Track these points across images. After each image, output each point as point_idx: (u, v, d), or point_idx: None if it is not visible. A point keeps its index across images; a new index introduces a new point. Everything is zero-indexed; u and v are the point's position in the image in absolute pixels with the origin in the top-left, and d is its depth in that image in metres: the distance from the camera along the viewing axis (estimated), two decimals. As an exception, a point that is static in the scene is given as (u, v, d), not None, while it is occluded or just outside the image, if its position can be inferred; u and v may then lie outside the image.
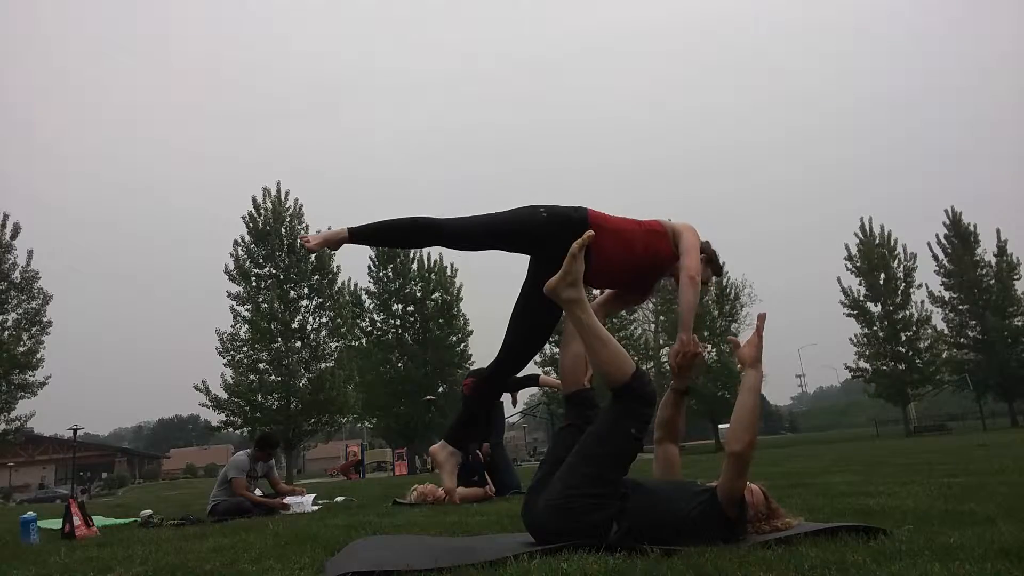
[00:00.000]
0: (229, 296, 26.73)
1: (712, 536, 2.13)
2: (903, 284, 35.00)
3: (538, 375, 6.30)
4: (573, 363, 2.65)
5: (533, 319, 2.68)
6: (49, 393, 25.20)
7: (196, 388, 25.73)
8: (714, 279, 3.04)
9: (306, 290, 27.82)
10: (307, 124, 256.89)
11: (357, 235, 2.54)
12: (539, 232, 2.55)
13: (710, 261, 2.82)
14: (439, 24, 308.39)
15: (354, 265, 37.63)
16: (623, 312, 28.07)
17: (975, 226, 36.40)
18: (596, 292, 3.00)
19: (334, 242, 2.55)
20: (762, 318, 2.37)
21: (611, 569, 1.85)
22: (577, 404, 2.60)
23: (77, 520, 4.48)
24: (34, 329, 24.97)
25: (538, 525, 2.37)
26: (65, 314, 35.68)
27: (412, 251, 33.70)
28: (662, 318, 36.03)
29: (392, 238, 2.79)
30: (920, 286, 35.33)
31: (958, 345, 36.07)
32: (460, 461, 2.79)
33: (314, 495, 6.29)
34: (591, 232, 2.37)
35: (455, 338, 33.27)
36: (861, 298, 35.40)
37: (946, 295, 36.05)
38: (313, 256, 27.81)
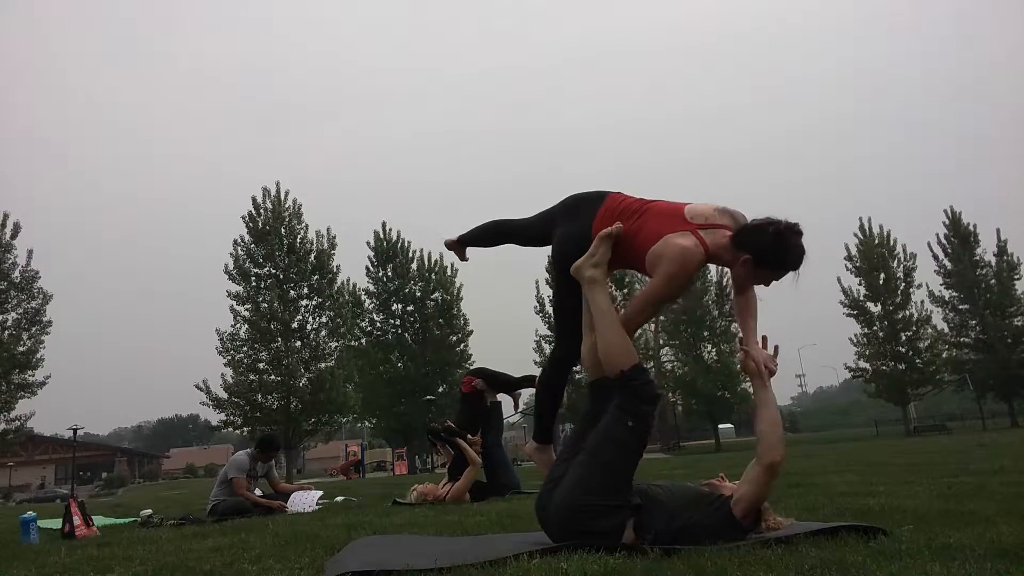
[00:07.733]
0: (229, 296, 26.68)
1: (724, 541, 2.15)
2: (903, 284, 34.92)
3: (535, 376, 6.22)
4: (594, 351, 2.56)
5: (563, 303, 2.81)
6: (49, 393, 25.20)
7: (196, 388, 25.72)
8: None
9: (306, 290, 27.72)
10: (308, 125, 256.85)
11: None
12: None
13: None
14: (440, 25, 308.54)
15: (354, 265, 37.59)
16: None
17: (975, 226, 36.35)
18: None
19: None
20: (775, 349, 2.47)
21: (611, 569, 1.85)
22: (600, 391, 2.51)
23: (77, 520, 4.49)
24: (34, 329, 24.94)
25: (550, 522, 2.36)
26: (65, 314, 35.65)
27: (411, 251, 34.09)
28: (662, 318, 35.99)
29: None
30: (920, 286, 35.30)
31: (958, 345, 36.01)
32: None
33: (320, 492, 6.26)
34: (619, 225, 2.49)
35: (455, 338, 33.22)
36: (861, 298, 35.34)
37: (946, 295, 36.01)
38: (313, 256, 27.86)
